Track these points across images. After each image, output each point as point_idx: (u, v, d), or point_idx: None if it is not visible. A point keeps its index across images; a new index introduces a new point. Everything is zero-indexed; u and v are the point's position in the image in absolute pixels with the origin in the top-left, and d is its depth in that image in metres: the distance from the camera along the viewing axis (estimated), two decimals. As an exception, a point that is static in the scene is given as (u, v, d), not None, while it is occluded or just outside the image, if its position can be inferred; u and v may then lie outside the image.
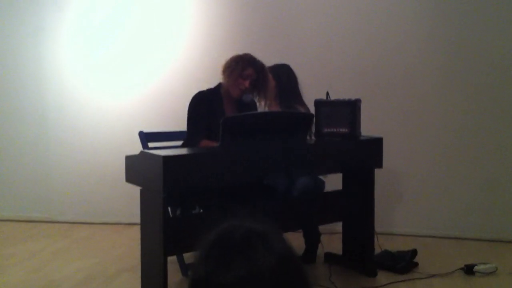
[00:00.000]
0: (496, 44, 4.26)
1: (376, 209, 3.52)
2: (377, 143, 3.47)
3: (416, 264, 3.62)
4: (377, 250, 3.64)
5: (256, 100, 3.57)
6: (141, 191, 2.80)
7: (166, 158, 2.59)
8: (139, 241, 2.90)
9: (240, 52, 3.43)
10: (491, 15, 4.26)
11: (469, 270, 3.47)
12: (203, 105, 3.36)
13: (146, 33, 4.77)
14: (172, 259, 3.33)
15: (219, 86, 3.47)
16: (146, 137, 3.56)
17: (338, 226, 3.80)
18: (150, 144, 3.53)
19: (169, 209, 3.28)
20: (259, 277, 0.88)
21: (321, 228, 3.83)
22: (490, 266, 3.51)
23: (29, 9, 4.85)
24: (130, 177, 2.88)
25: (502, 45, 4.25)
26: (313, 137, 3.47)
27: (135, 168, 2.83)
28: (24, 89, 4.93)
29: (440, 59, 4.37)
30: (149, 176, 2.71)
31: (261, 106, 3.78)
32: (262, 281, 0.88)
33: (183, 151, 3.09)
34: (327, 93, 3.41)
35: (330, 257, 3.75)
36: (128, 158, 2.88)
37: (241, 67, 3.33)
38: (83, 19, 4.83)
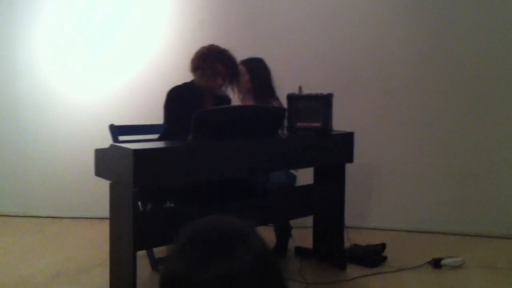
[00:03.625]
0: (472, 39, 4.31)
1: (347, 204, 3.55)
2: (348, 137, 3.49)
3: (385, 258, 3.66)
4: (347, 244, 3.67)
5: (228, 93, 3.57)
6: (111, 185, 2.77)
7: (136, 152, 2.56)
8: (111, 236, 2.88)
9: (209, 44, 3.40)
10: (467, 12, 4.31)
11: (436, 263, 3.53)
12: (182, 100, 3.33)
13: (118, 27, 4.74)
14: (141, 253, 3.33)
15: (194, 81, 3.45)
16: (117, 131, 3.53)
17: (309, 221, 3.82)
18: (121, 138, 3.51)
19: (140, 203, 3.26)
20: (237, 275, 0.88)
21: (292, 222, 3.84)
22: (457, 260, 3.57)
23: (1, 6, 4.77)
24: (100, 171, 2.85)
25: (478, 40, 4.30)
26: (285, 132, 3.48)
27: (105, 162, 2.80)
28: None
29: (415, 54, 4.41)
30: (119, 170, 2.67)
31: (235, 100, 3.79)
32: (240, 279, 0.88)
33: (154, 144, 3.05)
34: (300, 88, 3.41)
35: (300, 251, 3.78)
36: (98, 152, 2.85)
37: (211, 65, 3.28)
38: (56, 14, 4.77)
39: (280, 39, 4.54)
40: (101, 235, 4.18)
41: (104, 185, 2.88)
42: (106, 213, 2.92)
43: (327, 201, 3.53)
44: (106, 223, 3.31)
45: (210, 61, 3.29)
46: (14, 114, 4.87)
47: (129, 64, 4.75)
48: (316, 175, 3.67)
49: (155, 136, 3.46)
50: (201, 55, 3.34)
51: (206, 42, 3.47)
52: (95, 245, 4.01)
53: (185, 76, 3.46)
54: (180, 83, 3.44)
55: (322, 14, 4.51)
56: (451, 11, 4.33)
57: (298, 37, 4.54)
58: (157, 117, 3.52)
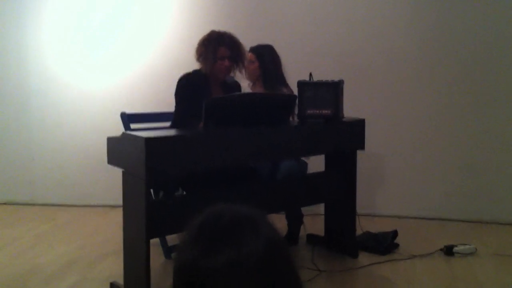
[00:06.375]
0: (478, 28, 4.27)
1: (358, 191, 3.55)
2: (359, 124, 3.48)
3: (397, 245, 3.66)
4: (359, 232, 3.67)
5: (237, 76, 3.56)
6: (123, 174, 2.77)
7: (148, 140, 2.56)
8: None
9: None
10: (476, 1, 4.26)
11: (448, 251, 3.52)
12: (192, 86, 3.32)
13: (128, 14, 4.72)
14: (154, 242, 3.34)
15: (202, 69, 3.43)
16: (128, 119, 3.52)
17: (321, 208, 3.82)
18: (133, 126, 3.50)
19: (152, 191, 3.27)
20: (247, 262, 0.88)
21: (304, 210, 3.85)
22: (469, 247, 3.56)
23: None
24: (112, 159, 2.86)
25: (483, 29, 4.26)
26: (296, 119, 3.47)
27: (117, 150, 2.81)
28: (6, 73, 4.87)
29: (423, 42, 4.38)
30: (131, 158, 2.68)
31: (245, 88, 3.78)
32: (250, 265, 0.89)
33: (166, 133, 3.04)
34: (310, 75, 3.40)
35: (312, 239, 3.78)
36: (110, 140, 2.86)
37: (212, 50, 3.27)
38: (64, 3, 4.76)
39: (289, 26, 4.52)
40: (112, 223, 4.20)
41: (115, 173, 2.89)
42: (117, 201, 2.94)
43: (339, 188, 3.52)
44: (117, 211, 3.34)
45: (212, 45, 3.28)
46: (25, 103, 4.87)
47: (139, 51, 4.73)
48: (327, 163, 3.66)
49: (167, 123, 3.45)
50: (202, 42, 3.33)
51: (213, 28, 3.44)
52: (107, 233, 4.03)
53: (195, 62, 3.44)
54: (190, 70, 3.43)
55: (330, 1, 4.47)
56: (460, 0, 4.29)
57: (307, 24, 4.51)
58: (168, 105, 3.51)
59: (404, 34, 4.40)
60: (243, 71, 3.51)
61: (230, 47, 3.32)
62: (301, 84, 3.32)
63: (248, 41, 3.54)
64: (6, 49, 4.84)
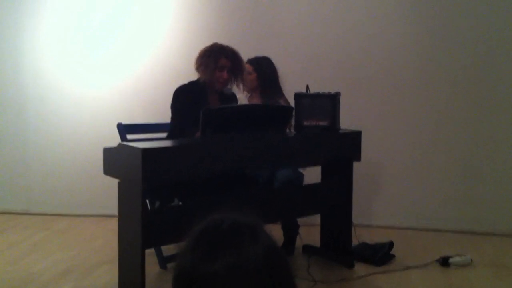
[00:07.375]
0: (477, 35, 4.29)
1: (354, 202, 3.55)
2: (356, 136, 3.50)
3: (393, 256, 3.66)
4: (355, 242, 3.67)
5: (235, 91, 3.58)
6: (119, 184, 2.78)
7: (145, 151, 2.57)
8: (118, 234, 2.89)
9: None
10: (471, 9, 4.29)
11: (444, 262, 3.52)
12: (188, 98, 3.34)
13: (125, 25, 4.73)
14: (149, 251, 3.34)
15: (199, 79, 3.45)
16: (125, 129, 3.53)
17: (317, 219, 3.82)
18: (129, 136, 3.51)
19: (148, 202, 3.27)
20: (246, 267, 0.89)
21: (300, 220, 3.85)
22: (465, 258, 3.56)
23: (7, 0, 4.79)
24: (108, 169, 2.86)
25: (483, 36, 4.28)
26: (292, 130, 3.48)
27: (113, 161, 2.82)
28: (3, 80, 4.87)
29: (420, 52, 4.40)
30: (128, 169, 2.69)
31: (242, 99, 3.80)
32: (249, 272, 0.89)
33: (162, 143, 3.06)
34: (307, 86, 3.42)
35: (308, 249, 3.78)
36: (106, 151, 2.87)
37: (214, 59, 3.31)
38: (61, 10, 4.77)
39: (285, 38, 4.53)
40: (108, 232, 4.20)
41: (111, 183, 2.89)
42: (113, 211, 2.94)
43: (335, 199, 3.53)
44: (113, 221, 3.34)
45: (213, 56, 3.32)
46: (20, 111, 4.87)
47: (135, 62, 4.74)
48: (324, 173, 3.67)
49: (164, 134, 3.46)
50: (204, 52, 3.37)
51: (211, 39, 3.49)
52: (102, 242, 4.03)
53: (193, 73, 3.46)
54: (186, 81, 3.45)
55: (326, 12, 4.49)
56: (456, 8, 4.31)
57: (303, 36, 4.53)
58: (164, 116, 3.52)
59: (402, 40, 4.42)
60: (240, 85, 3.54)
61: (231, 59, 3.37)
62: (298, 96, 3.35)
63: (244, 53, 3.55)
64: (2, 52, 4.84)
